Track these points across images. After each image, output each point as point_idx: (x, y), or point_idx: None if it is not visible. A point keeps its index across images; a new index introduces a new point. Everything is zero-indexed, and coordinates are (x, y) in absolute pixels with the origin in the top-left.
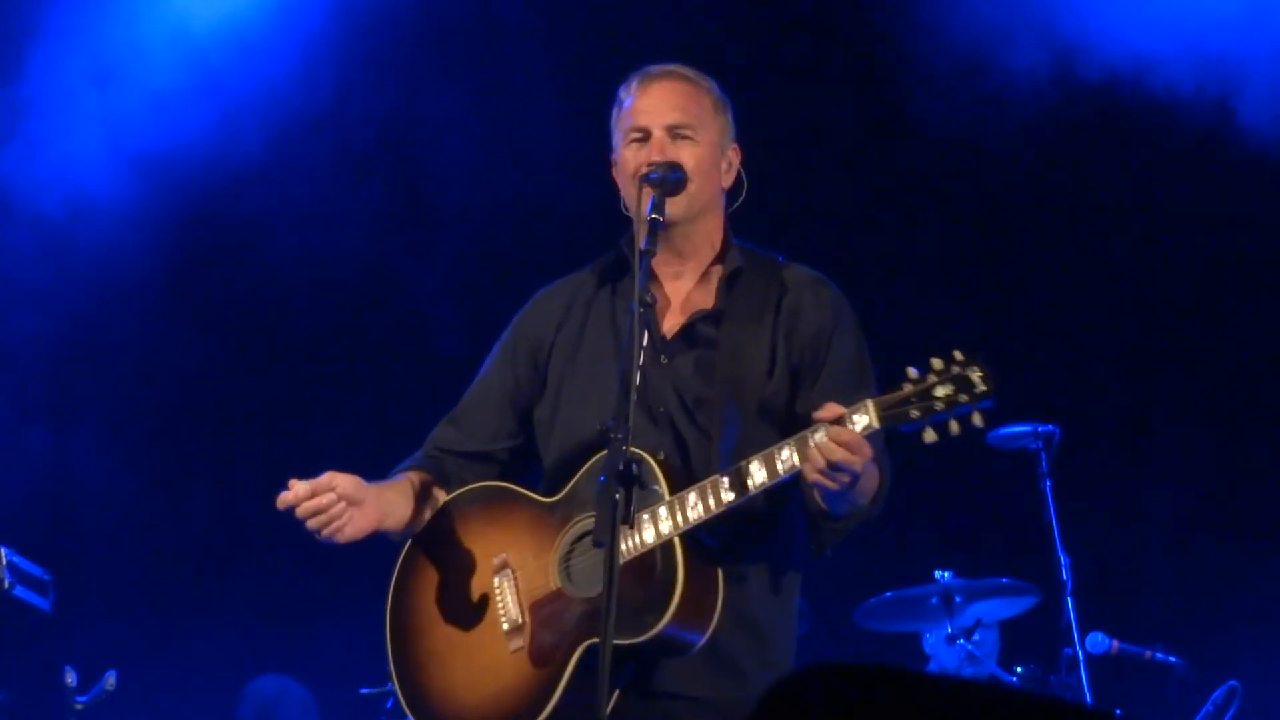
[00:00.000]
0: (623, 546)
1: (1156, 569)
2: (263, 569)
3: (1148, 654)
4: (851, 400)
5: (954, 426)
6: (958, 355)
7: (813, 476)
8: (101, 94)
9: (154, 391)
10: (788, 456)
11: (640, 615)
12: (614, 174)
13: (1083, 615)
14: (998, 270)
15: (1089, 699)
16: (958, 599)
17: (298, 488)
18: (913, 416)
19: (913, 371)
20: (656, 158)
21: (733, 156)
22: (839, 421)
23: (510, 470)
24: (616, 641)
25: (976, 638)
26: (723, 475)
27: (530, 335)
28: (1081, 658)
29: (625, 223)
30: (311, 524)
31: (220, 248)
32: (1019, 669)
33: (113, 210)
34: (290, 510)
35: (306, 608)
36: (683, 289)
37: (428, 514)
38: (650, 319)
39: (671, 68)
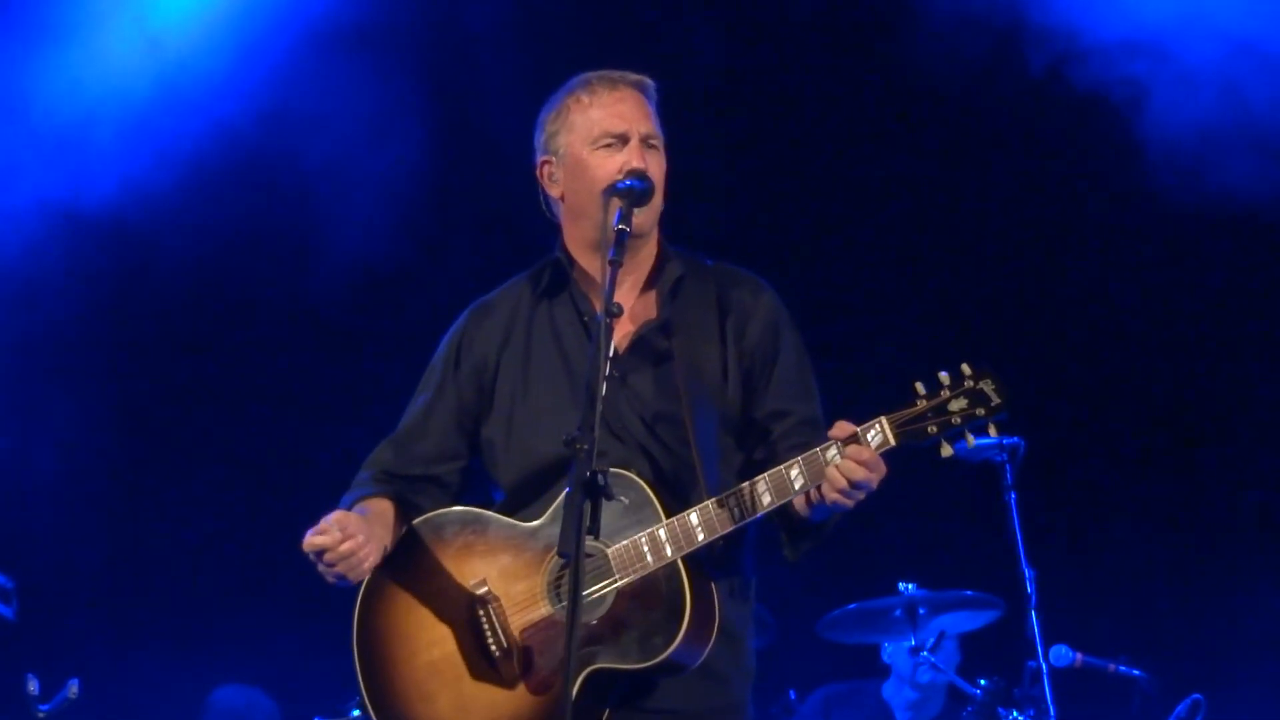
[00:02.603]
0: (619, 566)
1: (1120, 582)
2: (227, 578)
3: (1111, 667)
4: (801, 400)
5: (969, 440)
6: (967, 369)
7: (832, 496)
8: (84, 96)
9: (118, 399)
10: (797, 476)
11: (648, 639)
12: (544, 175)
13: (1047, 628)
14: (963, 282)
15: (1053, 711)
16: (921, 611)
17: (331, 533)
18: (930, 432)
19: (921, 388)
20: (639, 165)
21: None
22: (851, 439)
23: (457, 492)
24: (623, 667)
25: (939, 650)
26: (727, 497)
27: (473, 354)
28: (1045, 670)
29: (555, 229)
30: (340, 569)
31: (187, 255)
32: (982, 681)
33: (85, 212)
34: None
35: (270, 619)
36: (623, 298)
37: (395, 541)
38: (595, 331)
39: (636, 75)
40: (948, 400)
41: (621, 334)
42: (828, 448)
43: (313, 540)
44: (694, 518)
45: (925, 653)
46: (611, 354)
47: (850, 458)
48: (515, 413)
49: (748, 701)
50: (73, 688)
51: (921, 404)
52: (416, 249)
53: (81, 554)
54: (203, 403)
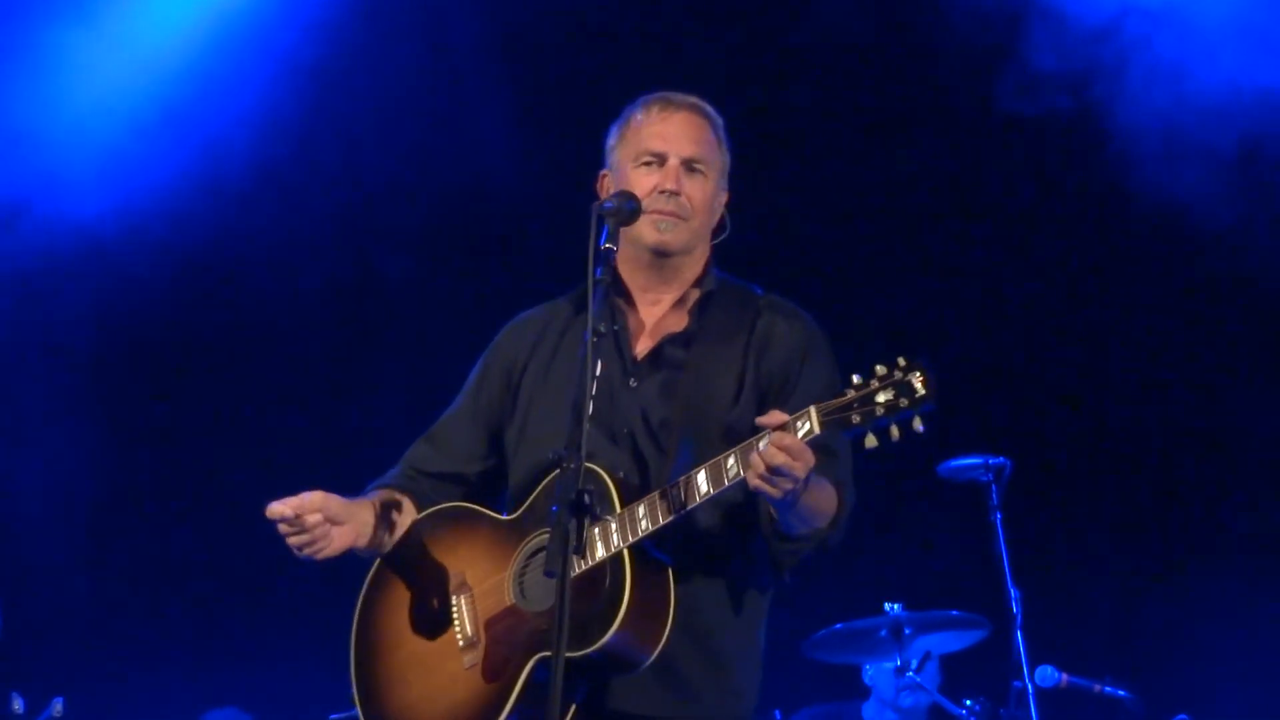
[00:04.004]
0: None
1: (1106, 602)
2: (214, 595)
3: (1097, 687)
4: None
5: (894, 432)
6: (901, 361)
7: (754, 482)
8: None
9: (104, 413)
10: (732, 465)
11: (587, 627)
12: (601, 187)
13: (1032, 648)
14: (951, 302)
15: None
16: (907, 631)
17: (286, 506)
18: (854, 421)
19: (856, 378)
20: (672, 186)
21: (723, 196)
22: (783, 428)
23: (481, 492)
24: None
25: (922, 670)
26: (670, 488)
27: (504, 359)
28: (1031, 691)
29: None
30: (293, 541)
31: (172, 275)
32: (968, 702)
33: (63, 227)
34: (262, 518)
35: (257, 635)
36: (657, 314)
37: (398, 534)
38: (624, 342)
39: (694, 100)
40: (875, 391)
41: (644, 345)
42: (761, 437)
43: (273, 507)
44: (641, 508)
45: (910, 673)
46: (631, 362)
47: (773, 442)
48: (530, 417)
49: None
50: (57, 706)
51: (850, 394)
52: (408, 265)
53: (67, 572)
54: (190, 421)
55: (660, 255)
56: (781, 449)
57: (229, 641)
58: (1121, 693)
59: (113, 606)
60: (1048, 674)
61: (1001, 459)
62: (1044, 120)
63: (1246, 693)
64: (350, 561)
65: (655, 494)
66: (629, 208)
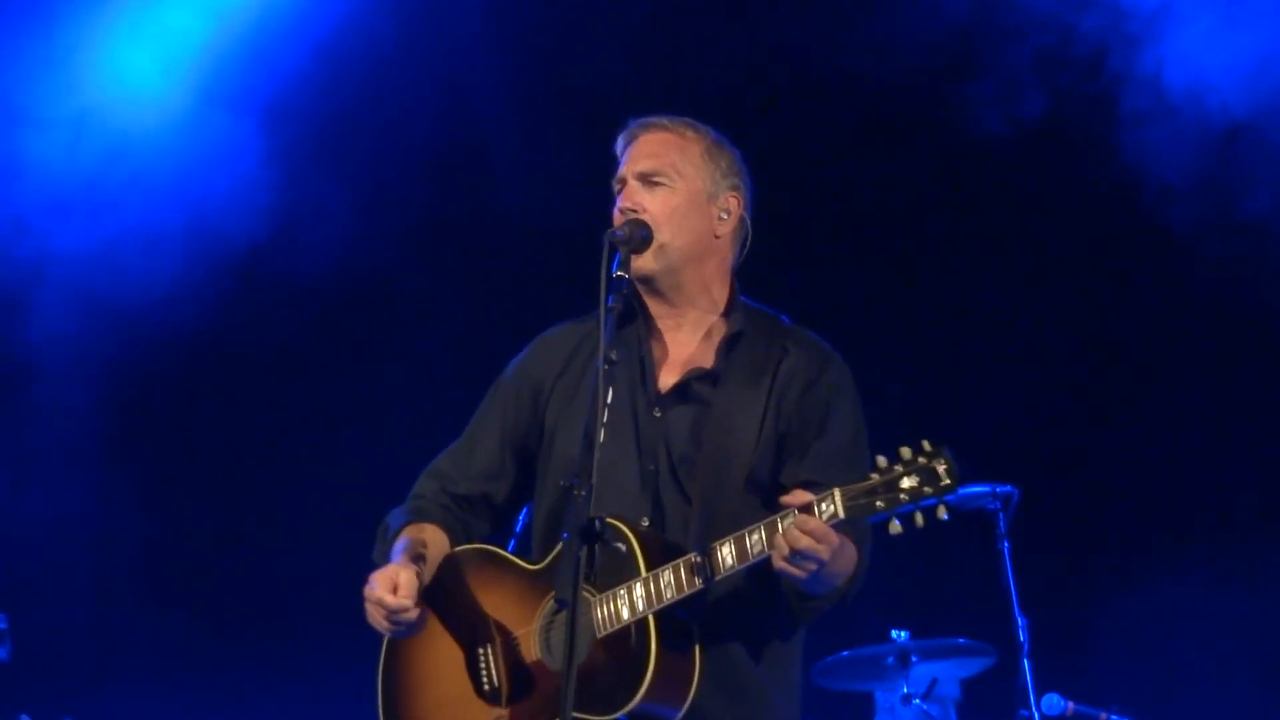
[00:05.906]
0: (599, 618)
1: (1113, 630)
2: (223, 615)
3: (1103, 715)
4: (841, 477)
5: (918, 518)
6: (926, 445)
7: (779, 564)
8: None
9: (112, 434)
10: (757, 540)
11: (613, 692)
12: None
13: (1039, 676)
14: (958, 330)
15: None
16: (914, 658)
17: (403, 599)
18: (878, 507)
19: (882, 460)
20: (626, 204)
21: (730, 204)
22: (807, 509)
23: (505, 515)
24: (590, 717)
25: (933, 698)
26: (696, 556)
27: (531, 379)
28: (1037, 719)
29: None
30: (392, 626)
31: (173, 283)
32: None
33: (68, 246)
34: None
35: (265, 655)
36: (682, 342)
37: (430, 572)
38: (648, 369)
39: (652, 119)
40: (899, 476)
41: (670, 377)
42: (785, 515)
43: (387, 599)
44: (667, 575)
45: (917, 700)
46: (655, 393)
47: (798, 526)
48: (555, 443)
49: None
50: None
51: (875, 478)
52: (410, 278)
53: (74, 593)
54: (194, 442)
55: (642, 280)
56: (806, 533)
57: (237, 662)
58: None
59: (121, 628)
60: (1054, 702)
61: (1009, 487)
62: (1046, 140)
63: None
64: (356, 582)
65: (680, 562)
66: (640, 236)
